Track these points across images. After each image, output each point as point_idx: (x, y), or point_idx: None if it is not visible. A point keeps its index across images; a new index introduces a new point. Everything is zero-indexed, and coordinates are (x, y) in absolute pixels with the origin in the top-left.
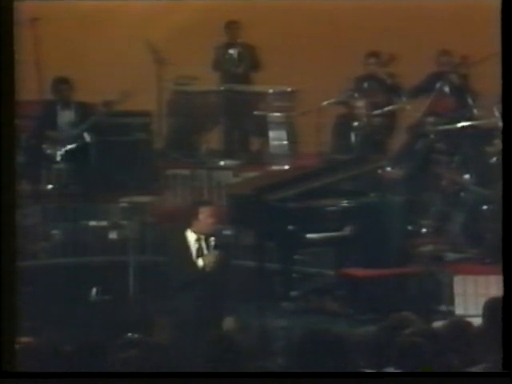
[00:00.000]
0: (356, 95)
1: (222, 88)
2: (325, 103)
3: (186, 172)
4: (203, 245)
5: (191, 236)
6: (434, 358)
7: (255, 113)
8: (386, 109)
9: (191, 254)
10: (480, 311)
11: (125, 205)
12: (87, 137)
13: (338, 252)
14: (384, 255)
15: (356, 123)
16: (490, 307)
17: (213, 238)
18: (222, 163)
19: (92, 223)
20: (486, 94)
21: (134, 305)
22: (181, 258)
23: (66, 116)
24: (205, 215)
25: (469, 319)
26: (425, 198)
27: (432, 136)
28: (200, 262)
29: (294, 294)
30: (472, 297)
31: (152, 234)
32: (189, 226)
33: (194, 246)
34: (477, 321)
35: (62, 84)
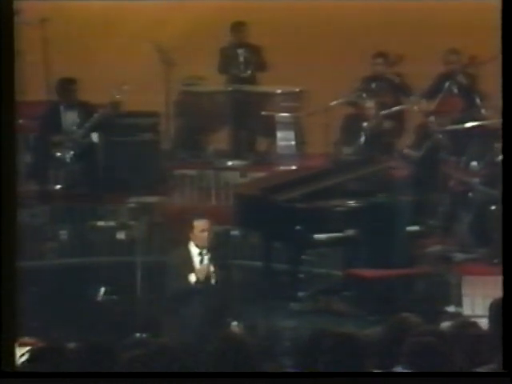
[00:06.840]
0: (364, 95)
1: (229, 88)
2: (333, 103)
3: (193, 172)
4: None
5: (194, 249)
6: (441, 358)
7: (263, 113)
8: (394, 109)
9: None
10: (488, 312)
11: (132, 205)
12: (95, 137)
13: (346, 252)
14: (392, 256)
15: (364, 123)
16: (496, 308)
17: (206, 251)
18: (229, 163)
19: (100, 223)
20: (493, 94)
21: (141, 305)
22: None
23: (73, 116)
24: (199, 229)
25: (477, 320)
26: (433, 198)
27: (440, 136)
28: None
29: (301, 294)
30: (480, 297)
31: (159, 235)
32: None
33: (195, 258)
34: (485, 322)
35: (69, 84)
